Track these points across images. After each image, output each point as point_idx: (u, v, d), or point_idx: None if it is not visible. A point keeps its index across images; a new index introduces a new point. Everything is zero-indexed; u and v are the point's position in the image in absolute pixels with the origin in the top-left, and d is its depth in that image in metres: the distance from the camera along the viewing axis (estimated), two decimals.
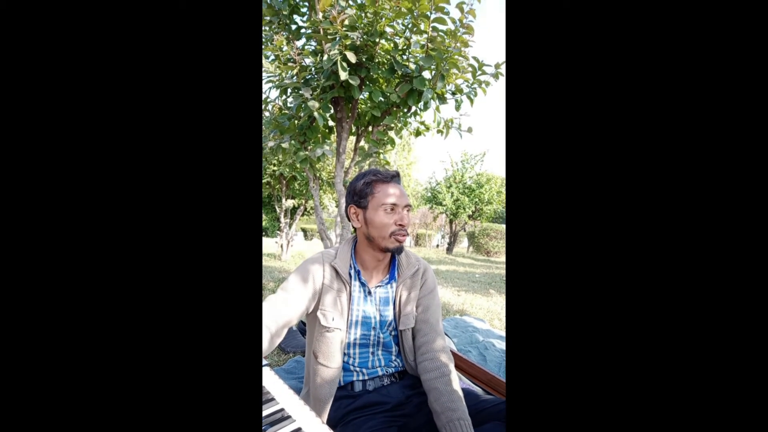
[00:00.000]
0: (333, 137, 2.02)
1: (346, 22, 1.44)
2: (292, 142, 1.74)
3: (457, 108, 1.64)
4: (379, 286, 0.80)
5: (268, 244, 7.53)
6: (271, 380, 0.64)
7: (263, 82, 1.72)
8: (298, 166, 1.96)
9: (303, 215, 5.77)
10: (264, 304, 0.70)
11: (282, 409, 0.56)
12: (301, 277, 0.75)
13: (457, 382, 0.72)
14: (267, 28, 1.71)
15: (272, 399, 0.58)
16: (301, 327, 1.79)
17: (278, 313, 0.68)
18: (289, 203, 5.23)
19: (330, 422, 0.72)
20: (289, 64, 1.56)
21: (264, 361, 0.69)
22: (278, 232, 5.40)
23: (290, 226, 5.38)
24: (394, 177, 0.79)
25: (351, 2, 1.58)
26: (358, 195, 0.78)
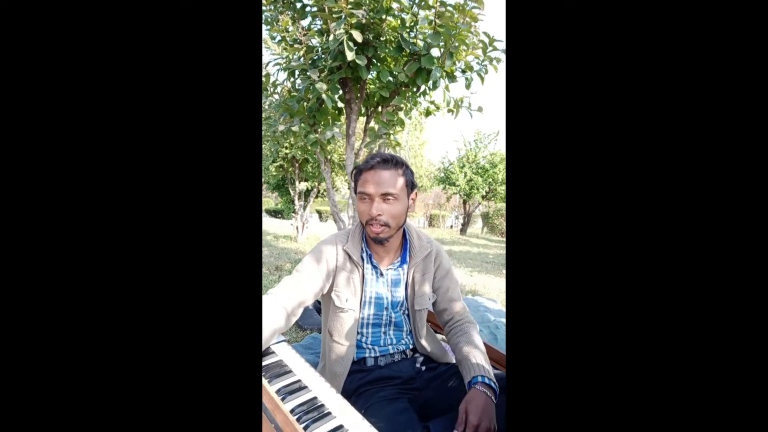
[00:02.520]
0: (343, 119, 2.01)
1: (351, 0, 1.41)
2: (302, 125, 1.74)
3: (467, 86, 1.60)
4: (390, 268, 0.82)
5: (284, 226, 7.68)
6: (289, 354, 0.69)
7: (271, 64, 1.71)
8: (309, 148, 1.97)
9: (317, 197, 5.82)
10: (281, 284, 0.74)
11: (299, 380, 0.60)
12: (315, 259, 0.78)
13: (482, 344, 0.78)
14: (272, 7, 1.69)
15: (290, 371, 0.63)
16: (317, 305, 1.86)
17: (294, 293, 0.72)
18: (303, 186, 5.28)
19: (344, 393, 0.77)
20: (295, 45, 1.54)
21: (282, 337, 0.74)
22: (293, 214, 5.49)
23: (305, 208, 5.46)
24: (377, 164, 0.73)
25: None
26: (353, 182, 0.80)
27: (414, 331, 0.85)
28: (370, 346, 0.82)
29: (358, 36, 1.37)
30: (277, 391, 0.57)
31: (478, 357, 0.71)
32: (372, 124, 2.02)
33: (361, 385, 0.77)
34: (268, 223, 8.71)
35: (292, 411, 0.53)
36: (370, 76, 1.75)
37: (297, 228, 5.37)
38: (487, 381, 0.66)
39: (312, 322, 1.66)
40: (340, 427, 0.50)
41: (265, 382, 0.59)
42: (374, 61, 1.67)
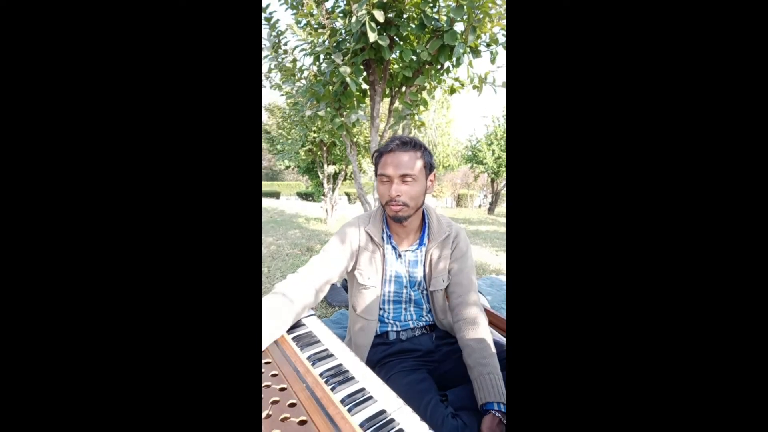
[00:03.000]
0: (367, 101, 2.02)
1: None
2: (328, 109, 1.78)
3: (493, 60, 1.54)
4: (409, 249, 0.86)
5: (314, 209, 7.91)
6: (318, 326, 0.75)
7: (297, 49, 1.74)
8: (335, 132, 2.01)
9: (345, 180, 5.91)
10: (309, 263, 0.80)
11: (327, 349, 0.67)
12: (339, 240, 0.83)
13: (490, 338, 0.78)
14: None
15: (319, 341, 0.69)
16: (345, 284, 1.95)
17: (320, 272, 0.78)
18: (331, 169, 5.38)
19: (368, 364, 0.83)
20: (319, 30, 1.56)
21: (312, 311, 0.81)
22: (322, 197, 5.64)
23: (333, 191, 5.58)
24: (396, 147, 0.77)
25: None
26: (374, 165, 0.82)
27: (433, 309, 0.89)
28: (392, 321, 0.87)
29: (380, 16, 1.35)
30: (308, 358, 0.63)
31: (493, 378, 0.70)
32: (396, 104, 2.02)
33: (384, 356, 0.83)
34: (300, 206, 9.00)
35: (320, 375, 0.59)
36: (393, 56, 1.73)
37: (326, 210, 5.52)
38: (503, 408, 0.67)
39: (340, 299, 1.75)
40: (362, 389, 0.56)
41: (297, 349, 0.66)
42: (397, 39, 1.65)
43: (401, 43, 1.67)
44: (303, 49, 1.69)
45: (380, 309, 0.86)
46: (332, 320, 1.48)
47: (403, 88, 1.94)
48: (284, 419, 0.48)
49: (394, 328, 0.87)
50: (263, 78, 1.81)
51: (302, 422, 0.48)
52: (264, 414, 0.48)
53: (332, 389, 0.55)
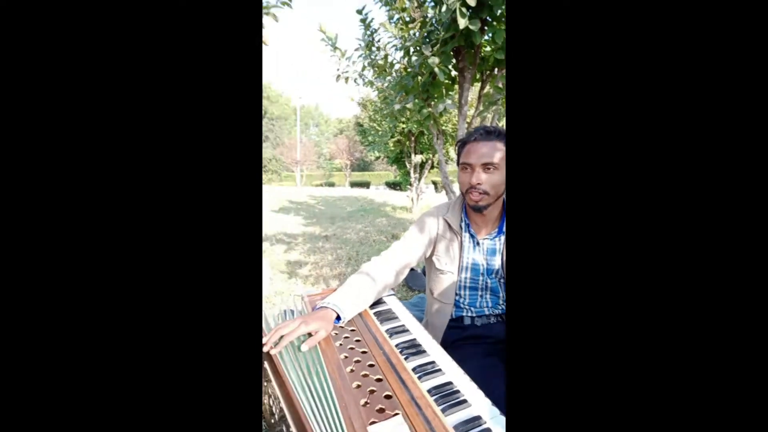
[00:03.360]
0: (456, 88, 1.99)
1: None
2: (416, 100, 1.82)
3: None
4: (487, 238, 0.86)
5: (401, 198, 8.13)
6: (396, 305, 0.83)
7: (389, 45, 1.82)
8: (422, 122, 2.05)
9: (432, 169, 5.92)
10: (390, 248, 0.88)
11: (403, 325, 0.74)
12: (419, 228, 0.89)
13: None
14: None
15: (396, 317, 0.77)
16: (425, 270, 2.01)
17: (400, 256, 0.85)
18: (418, 158, 5.45)
19: (442, 344, 0.88)
20: (410, 25, 1.60)
21: (392, 292, 0.89)
22: (409, 186, 5.77)
23: (419, 180, 5.65)
24: (479, 136, 0.78)
25: None
26: (457, 155, 0.84)
27: None
28: (467, 307, 0.89)
29: (471, 0, 1.33)
30: (386, 330, 0.71)
31: None
32: (487, 89, 1.94)
33: (457, 339, 0.86)
34: (388, 195, 9.35)
35: (396, 345, 0.66)
36: (486, 38, 1.66)
37: (412, 199, 5.63)
38: None
39: (420, 284, 1.82)
40: (433, 362, 0.61)
41: (377, 322, 0.74)
42: (489, 20, 1.58)
43: (494, 23, 1.59)
44: (394, 45, 1.76)
45: (456, 294, 0.89)
46: (411, 303, 1.56)
47: (495, 71, 1.85)
48: (364, 375, 0.57)
49: (470, 314, 0.89)
50: (358, 75, 1.95)
51: (378, 380, 0.56)
52: (348, 369, 0.58)
53: (405, 359, 0.62)
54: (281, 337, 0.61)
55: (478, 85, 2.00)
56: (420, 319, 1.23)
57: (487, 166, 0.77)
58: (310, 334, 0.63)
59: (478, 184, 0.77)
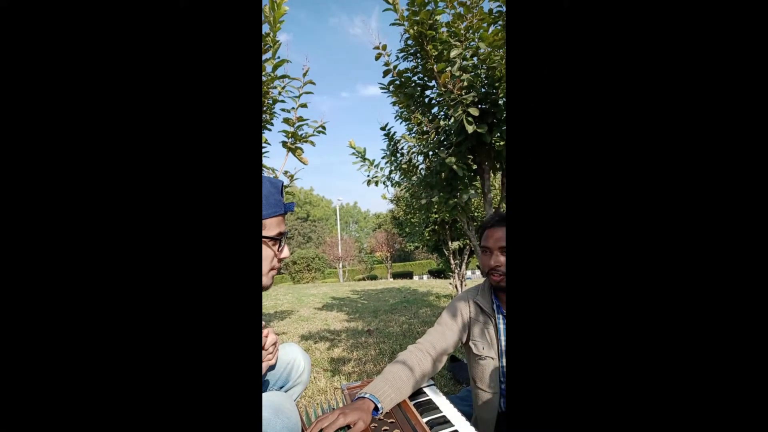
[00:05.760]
0: (478, 178, 2.17)
1: (464, 85, 1.66)
2: (441, 194, 2.00)
3: None
4: None
5: (444, 286, 7.89)
6: (436, 395, 0.81)
7: (410, 152, 2.11)
8: (451, 212, 2.20)
9: (471, 254, 5.87)
10: (426, 335, 0.90)
11: (444, 416, 0.71)
12: (451, 314, 0.92)
13: None
14: (406, 110, 2.14)
15: (437, 408, 0.75)
16: None
17: (435, 343, 0.86)
18: (455, 245, 5.50)
19: None
20: (425, 136, 1.89)
21: (431, 381, 0.87)
22: (450, 273, 5.67)
23: (460, 266, 5.57)
24: (495, 222, 0.86)
25: (471, 61, 1.79)
26: (478, 240, 0.92)
27: None
28: None
29: (474, 111, 1.58)
30: (427, 422, 0.70)
31: None
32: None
33: None
34: (431, 284, 9.14)
35: None
36: (496, 135, 1.89)
37: (456, 286, 5.47)
38: None
39: (467, 375, 1.68)
40: None
41: (417, 413, 0.73)
42: (496, 121, 1.82)
43: (500, 124, 1.83)
44: (414, 152, 2.04)
45: (501, 382, 0.85)
46: (459, 397, 1.43)
47: None
48: None
49: None
50: (386, 179, 2.22)
51: None
52: None
53: None
54: (321, 430, 0.63)
55: (499, 173, 2.17)
56: (469, 415, 1.13)
57: (503, 249, 0.83)
58: (349, 426, 0.64)
59: (498, 266, 0.83)
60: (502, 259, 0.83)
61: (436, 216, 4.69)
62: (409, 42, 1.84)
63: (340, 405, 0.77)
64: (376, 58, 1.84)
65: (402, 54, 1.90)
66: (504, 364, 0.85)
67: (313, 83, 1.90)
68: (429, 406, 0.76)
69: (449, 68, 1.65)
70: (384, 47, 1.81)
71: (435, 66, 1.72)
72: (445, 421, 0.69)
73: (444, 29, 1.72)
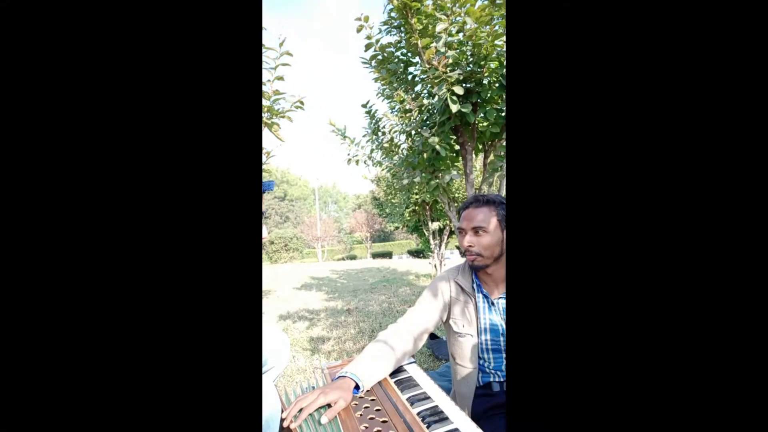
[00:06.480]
0: (460, 159, 2.16)
1: (450, 62, 1.62)
2: (423, 174, 1.99)
3: None
4: (501, 297, 0.88)
5: (424, 266, 8.06)
6: (417, 372, 0.82)
7: (392, 131, 2.07)
8: (432, 192, 2.20)
9: (451, 235, 5.97)
10: (406, 315, 0.90)
11: (424, 392, 0.73)
12: (432, 292, 0.92)
13: None
14: (388, 87, 2.08)
15: (417, 385, 0.76)
16: None
17: (417, 323, 0.87)
18: (435, 225, 5.57)
19: (473, 415, 0.83)
20: (408, 114, 1.84)
21: (411, 359, 0.89)
22: (430, 253, 5.78)
23: (440, 246, 5.68)
24: (471, 204, 0.88)
25: (456, 37, 1.74)
26: (456, 221, 0.93)
27: None
28: (493, 371, 0.87)
29: (459, 90, 1.55)
30: (407, 399, 0.71)
31: None
32: (491, 157, 2.10)
33: (488, 408, 0.82)
34: (411, 263, 9.30)
35: (418, 413, 0.65)
36: (480, 115, 1.87)
37: (435, 266, 5.58)
38: None
39: (446, 352, 1.74)
40: (456, 429, 0.60)
41: (398, 390, 0.74)
42: (480, 102, 1.80)
43: (485, 104, 1.81)
44: (396, 130, 1.99)
45: (480, 358, 0.88)
46: (438, 372, 1.48)
47: (495, 141, 2.03)
48: None
49: (497, 379, 0.86)
50: (367, 158, 2.17)
51: None
52: None
53: (428, 427, 0.61)
54: (301, 410, 0.63)
55: (481, 154, 2.17)
56: (448, 390, 1.17)
57: (476, 230, 0.85)
58: (329, 405, 0.64)
59: (470, 246, 0.85)
60: (475, 239, 0.85)
61: (417, 196, 4.70)
62: (393, 14, 1.76)
63: (320, 384, 0.77)
64: (358, 30, 1.74)
65: (385, 27, 1.82)
66: (483, 339, 0.87)
67: (290, 54, 1.79)
68: (410, 383, 0.77)
69: (434, 44, 1.60)
70: (366, 19, 1.72)
71: (420, 41, 1.66)
72: (425, 397, 0.71)
73: (429, 1, 1.65)
